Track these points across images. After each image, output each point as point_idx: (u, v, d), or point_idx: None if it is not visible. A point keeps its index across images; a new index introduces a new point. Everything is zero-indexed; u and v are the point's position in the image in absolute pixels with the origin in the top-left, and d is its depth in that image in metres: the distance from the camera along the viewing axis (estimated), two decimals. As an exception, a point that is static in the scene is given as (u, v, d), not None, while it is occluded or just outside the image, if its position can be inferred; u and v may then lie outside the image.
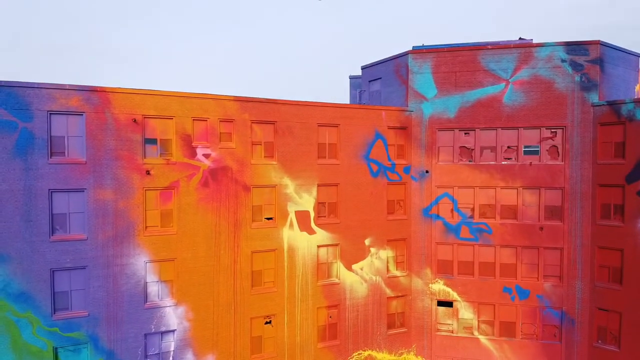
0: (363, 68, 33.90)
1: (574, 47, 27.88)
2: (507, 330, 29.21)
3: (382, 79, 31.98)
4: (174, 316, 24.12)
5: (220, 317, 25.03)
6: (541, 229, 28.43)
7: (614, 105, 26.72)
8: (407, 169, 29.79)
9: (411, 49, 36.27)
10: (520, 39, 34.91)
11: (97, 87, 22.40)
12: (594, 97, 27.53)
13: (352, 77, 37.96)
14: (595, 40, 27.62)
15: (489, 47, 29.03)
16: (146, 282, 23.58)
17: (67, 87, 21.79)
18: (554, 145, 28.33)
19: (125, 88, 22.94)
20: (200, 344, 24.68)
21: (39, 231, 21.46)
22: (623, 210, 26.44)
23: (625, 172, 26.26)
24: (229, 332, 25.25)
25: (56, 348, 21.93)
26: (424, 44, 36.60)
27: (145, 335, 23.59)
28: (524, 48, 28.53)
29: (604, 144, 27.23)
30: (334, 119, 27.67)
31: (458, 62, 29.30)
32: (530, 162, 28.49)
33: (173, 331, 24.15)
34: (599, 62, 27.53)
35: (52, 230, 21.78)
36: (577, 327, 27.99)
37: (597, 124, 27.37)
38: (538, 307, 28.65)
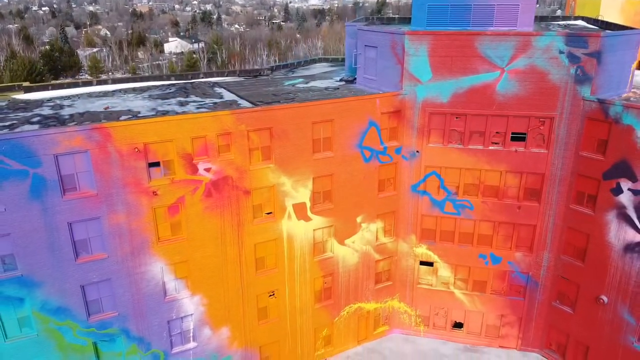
0: (359, 30, 32.74)
1: (574, 39, 27.22)
2: (478, 286, 33.53)
3: (378, 49, 31.27)
4: (190, 304, 27.98)
5: (230, 298, 28.92)
6: (519, 208, 30.92)
7: (603, 103, 27.18)
8: (398, 150, 31.09)
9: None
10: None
11: (97, 125, 23.00)
12: (586, 91, 27.77)
13: (348, 25, 36.44)
14: (597, 33, 26.88)
15: (488, 32, 28.18)
16: (164, 282, 26.92)
17: (69, 130, 22.45)
18: (541, 134, 29.34)
19: (123, 122, 23.52)
20: (215, 321, 28.99)
21: (65, 257, 24.08)
22: (595, 201, 28.67)
23: (603, 168, 27.85)
24: (238, 308, 29.40)
25: (95, 342, 26.18)
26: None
27: (168, 321, 27.71)
28: (523, 36, 27.78)
29: (589, 137, 28.28)
30: (329, 114, 28.20)
31: (455, 46, 28.67)
32: (516, 149, 29.79)
33: (191, 315, 28.24)
34: (597, 55, 27.15)
35: (77, 254, 24.39)
36: (540, 288, 32.23)
37: (585, 117, 28.08)
38: (508, 271, 32.55)
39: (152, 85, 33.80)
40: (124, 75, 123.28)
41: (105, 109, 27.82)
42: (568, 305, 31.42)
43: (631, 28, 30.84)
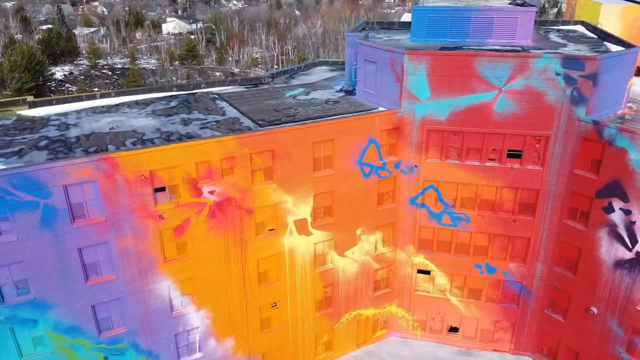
0: (359, 44, 33.01)
1: (571, 61, 27.64)
2: (474, 294, 34.67)
3: (377, 65, 31.62)
4: (196, 318, 29.10)
5: (234, 311, 30.03)
6: (514, 221, 31.80)
7: (598, 125, 27.77)
8: (397, 165, 31.77)
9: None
10: None
11: (104, 155, 23.66)
12: (582, 112, 28.32)
13: (348, 35, 36.57)
14: (593, 56, 27.29)
15: (486, 54, 28.56)
16: (171, 299, 27.97)
17: (77, 162, 23.12)
18: (536, 152, 29.99)
19: (130, 151, 24.17)
20: (220, 333, 30.17)
21: (76, 280, 25.05)
22: (588, 218, 29.52)
23: (596, 187, 28.62)
24: (242, 320, 30.54)
25: (106, 357, 27.37)
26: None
27: (175, 335, 28.88)
28: (520, 58, 28.18)
29: (583, 157, 28.94)
30: (330, 134, 28.80)
31: (454, 66, 29.07)
32: (512, 166, 30.48)
33: (197, 327, 29.39)
34: (593, 77, 27.60)
35: (87, 277, 25.36)
36: (533, 297, 33.36)
37: (580, 137, 28.69)
38: (502, 280, 33.63)
39: (155, 98, 34.22)
40: (125, 68, 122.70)
41: (111, 129, 28.37)
42: (560, 314, 32.60)
43: (629, 44, 31.22)
